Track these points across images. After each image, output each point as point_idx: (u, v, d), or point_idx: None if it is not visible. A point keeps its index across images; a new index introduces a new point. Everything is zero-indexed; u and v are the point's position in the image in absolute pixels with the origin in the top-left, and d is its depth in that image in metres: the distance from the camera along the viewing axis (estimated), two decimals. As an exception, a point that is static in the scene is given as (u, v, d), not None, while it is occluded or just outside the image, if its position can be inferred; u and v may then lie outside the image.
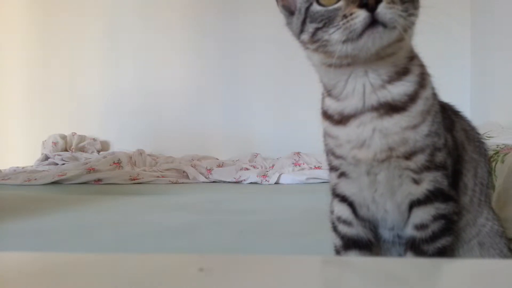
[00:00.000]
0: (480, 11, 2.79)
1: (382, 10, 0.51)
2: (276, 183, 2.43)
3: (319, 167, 2.53)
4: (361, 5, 0.51)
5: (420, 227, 0.61)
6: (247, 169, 2.64)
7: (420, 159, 0.59)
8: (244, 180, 2.49)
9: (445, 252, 0.61)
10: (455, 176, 0.64)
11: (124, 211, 1.66)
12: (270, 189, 2.26)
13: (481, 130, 2.30)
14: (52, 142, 3.13)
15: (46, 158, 3.04)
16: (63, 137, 3.22)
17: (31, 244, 1.17)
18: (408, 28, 0.54)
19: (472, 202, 0.67)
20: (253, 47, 3.19)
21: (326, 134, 0.64)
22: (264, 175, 2.49)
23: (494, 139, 1.88)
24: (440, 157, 0.60)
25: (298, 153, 2.79)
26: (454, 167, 0.63)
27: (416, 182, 0.60)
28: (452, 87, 2.97)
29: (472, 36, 2.91)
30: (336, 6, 0.54)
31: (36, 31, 3.53)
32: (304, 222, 1.40)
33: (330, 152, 0.65)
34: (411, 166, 0.59)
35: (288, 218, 1.48)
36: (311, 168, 2.58)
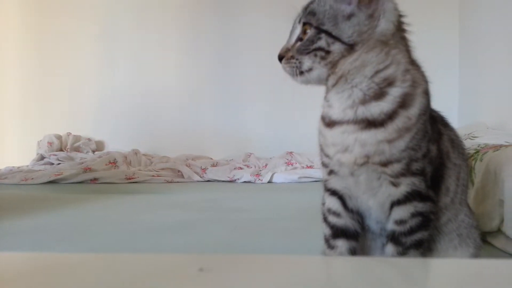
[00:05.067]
0: (468, 15, 2.85)
1: (282, 64, 0.70)
2: (269, 182, 2.49)
3: (311, 166, 2.58)
4: (278, 55, 0.70)
5: (400, 222, 0.66)
6: (241, 168, 2.69)
7: (396, 167, 0.65)
8: (238, 179, 2.54)
9: (421, 244, 0.67)
10: (437, 180, 0.70)
11: (122, 209, 1.70)
12: (263, 188, 2.31)
13: (467, 130, 2.34)
14: (48, 142, 3.15)
15: (42, 158, 3.06)
16: (58, 137, 3.24)
17: (31, 241, 1.20)
18: (326, 73, 0.66)
19: (454, 202, 0.73)
20: (247, 49, 3.23)
21: (319, 132, 0.71)
22: (257, 174, 2.54)
23: (478, 139, 1.94)
24: (416, 166, 0.65)
25: (291, 152, 2.85)
26: (436, 173, 0.69)
27: (394, 185, 0.66)
28: (441, 88, 3.03)
29: (460, 38, 2.98)
30: None
31: (31, 32, 3.55)
32: (296, 219, 1.46)
33: (321, 149, 0.72)
34: (387, 172, 0.65)
35: (281, 216, 1.53)
36: (303, 167, 2.64)
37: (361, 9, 0.63)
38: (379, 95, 0.64)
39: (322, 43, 0.64)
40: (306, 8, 0.68)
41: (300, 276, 0.40)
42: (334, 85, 0.66)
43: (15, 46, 3.58)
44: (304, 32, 0.67)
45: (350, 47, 0.63)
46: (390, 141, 0.63)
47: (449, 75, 3.00)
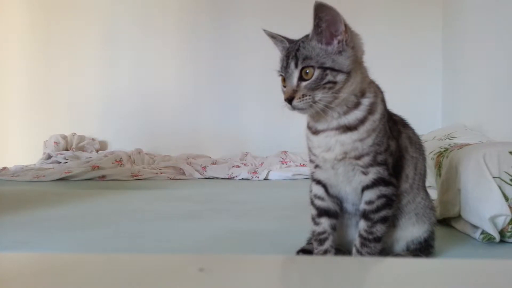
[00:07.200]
0: (451, 23, 3.03)
1: (294, 103, 0.82)
2: (265, 179, 2.68)
3: (304, 165, 2.77)
4: (286, 99, 0.83)
5: (369, 202, 0.86)
6: (238, 166, 2.86)
7: (366, 160, 0.84)
8: (236, 176, 2.72)
9: (386, 220, 0.87)
10: (398, 169, 0.90)
11: (132, 202, 1.87)
12: (260, 184, 2.49)
13: (448, 131, 2.53)
14: (54, 142, 3.30)
15: (49, 156, 3.21)
16: (64, 137, 3.39)
17: (59, 227, 1.37)
18: (333, 99, 0.81)
19: (412, 187, 0.93)
20: (244, 52, 3.38)
21: (307, 138, 0.92)
22: (254, 171, 2.72)
23: (456, 139, 2.14)
24: (380, 158, 0.86)
25: (285, 152, 3.04)
26: (396, 163, 0.89)
27: (365, 174, 0.85)
28: (426, 92, 3.24)
29: (443, 45, 3.17)
30: (283, 89, 0.86)
31: (37, 33, 3.68)
32: (288, 209, 1.64)
33: (309, 149, 0.92)
34: (360, 164, 0.85)
35: (275, 207, 1.72)
36: (296, 165, 2.83)
37: (348, 45, 0.82)
38: (356, 104, 0.84)
39: (329, 77, 0.80)
40: (296, 57, 0.82)
41: (300, 276, 0.41)
42: (337, 105, 0.82)
43: (21, 48, 3.70)
44: (305, 74, 0.82)
45: (348, 74, 0.82)
46: (361, 140, 0.84)
47: (433, 79, 3.17)
